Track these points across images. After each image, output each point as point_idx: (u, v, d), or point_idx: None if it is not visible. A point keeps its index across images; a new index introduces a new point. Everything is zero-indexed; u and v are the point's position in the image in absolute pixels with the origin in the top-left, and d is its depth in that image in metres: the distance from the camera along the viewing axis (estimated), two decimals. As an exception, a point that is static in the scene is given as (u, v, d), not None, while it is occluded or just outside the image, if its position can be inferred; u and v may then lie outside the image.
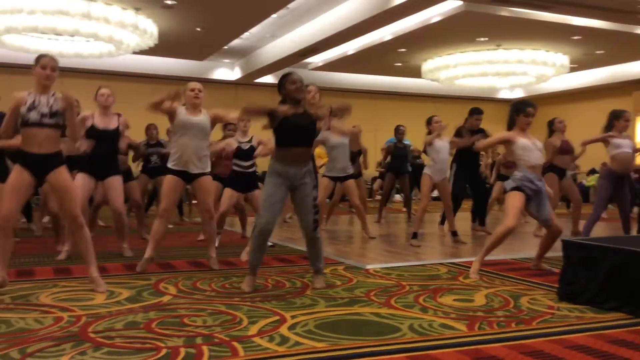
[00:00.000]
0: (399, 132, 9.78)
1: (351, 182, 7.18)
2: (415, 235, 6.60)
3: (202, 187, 4.98)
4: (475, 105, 7.83)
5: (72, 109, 4.08)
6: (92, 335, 3.02)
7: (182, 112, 4.89)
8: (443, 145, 6.70)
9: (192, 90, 4.95)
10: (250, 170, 6.33)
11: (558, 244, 4.29)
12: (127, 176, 6.46)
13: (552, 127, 7.24)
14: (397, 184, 10.37)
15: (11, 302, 3.75)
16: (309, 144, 4.25)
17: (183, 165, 4.86)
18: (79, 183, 5.27)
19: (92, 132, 5.41)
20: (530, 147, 4.74)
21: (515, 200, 4.66)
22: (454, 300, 3.87)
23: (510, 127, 4.88)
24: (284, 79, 4.20)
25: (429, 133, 6.77)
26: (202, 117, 4.96)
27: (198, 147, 4.91)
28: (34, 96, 3.98)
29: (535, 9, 10.40)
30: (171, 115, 4.88)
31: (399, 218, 10.44)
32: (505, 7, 10.42)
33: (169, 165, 4.92)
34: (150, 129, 8.22)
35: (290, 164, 4.12)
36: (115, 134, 5.54)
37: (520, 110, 4.81)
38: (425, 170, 6.76)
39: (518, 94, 19.01)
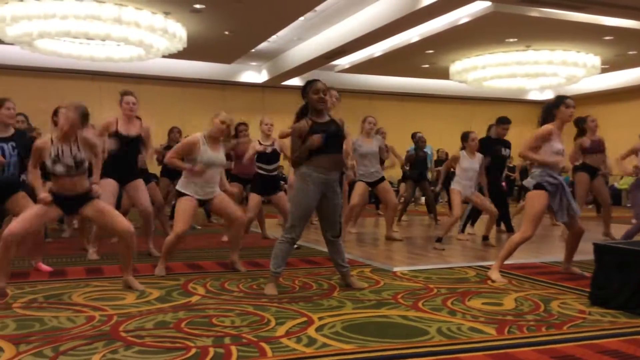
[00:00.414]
0: (420, 140, 9.81)
1: (385, 184, 7.16)
2: (440, 240, 6.53)
3: (222, 202, 4.96)
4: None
5: (98, 154, 4.23)
6: (123, 334, 3.07)
7: (206, 150, 4.80)
8: (471, 165, 6.63)
9: (223, 122, 4.86)
10: (274, 173, 6.35)
11: (589, 247, 4.21)
12: (146, 177, 6.52)
13: (584, 126, 7.13)
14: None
15: (44, 301, 3.83)
16: (341, 150, 4.27)
17: (203, 194, 4.85)
18: (105, 187, 5.26)
19: (116, 138, 5.44)
20: (560, 152, 4.62)
21: (536, 205, 4.52)
22: (483, 303, 3.84)
23: (546, 122, 4.65)
24: (307, 86, 4.15)
25: (462, 148, 6.73)
26: (221, 154, 4.93)
27: (216, 178, 4.93)
28: (57, 146, 4.01)
29: (565, 9, 10.25)
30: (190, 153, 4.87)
31: (426, 220, 10.37)
32: (535, 7, 10.29)
33: (187, 192, 4.80)
34: (173, 131, 8.42)
35: (329, 171, 4.11)
36: (138, 141, 5.62)
37: (560, 103, 4.59)
38: (454, 185, 6.67)
39: (548, 95, 18.74)
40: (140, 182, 5.69)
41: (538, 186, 4.55)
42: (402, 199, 10.39)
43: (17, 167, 4.80)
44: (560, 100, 4.64)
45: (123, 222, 4.19)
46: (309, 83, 4.16)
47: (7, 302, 3.77)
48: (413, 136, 9.99)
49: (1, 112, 4.69)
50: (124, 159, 5.54)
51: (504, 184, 8.81)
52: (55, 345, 2.86)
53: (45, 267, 4.99)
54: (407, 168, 9.82)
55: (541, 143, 4.57)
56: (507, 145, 7.43)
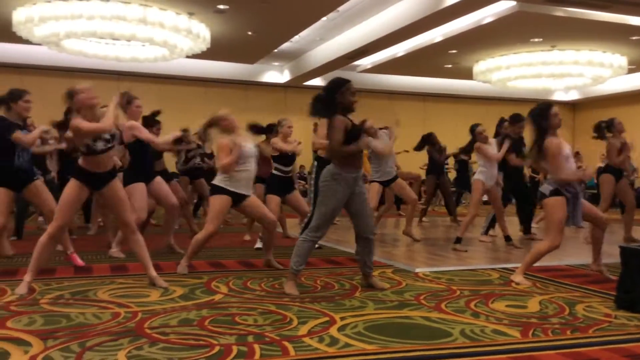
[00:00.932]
0: (432, 137, 9.87)
1: (400, 181, 7.14)
2: (459, 240, 6.48)
3: (256, 203, 5.02)
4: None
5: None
6: (148, 331, 3.11)
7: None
8: (495, 150, 6.62)
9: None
10: (290, 174, 6.38)
11: (615, 250, 4.15)
12: (168, 177, 6.68)
13: (611, 129, 7.02)
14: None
15: (70, 298, 3.89)
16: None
17: (237, 187, 4.87)
18: (137, 192, 5.46)
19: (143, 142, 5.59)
20: (569, 155, 4.54)
21: (557, 212, 4.40)
22: (507, 306, 3.81)
23: (542, 131, 4.52)
24: (344, 86, 4.12)
25: (472, 142, 6.72)
26: (253, 145, 5.09)
27: (253, 172, 5.00)
28: None
29: (592, 9, 10.10)
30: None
31: (448, 221, 10.30)
32: (561, 7, 10.16)
33: (224, 185, 4.83)
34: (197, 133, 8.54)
35: (357, 169, 4.16)
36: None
37: (546, 113, 4.50)
38: (478, 176, 6.63)
39: (573, 95, 18.50)
40: (160, 179, 5.86)
41: (556, 192, 4.46)
42: (422, 200, 10.39)
43: (30, 153, 5.04)
44: (546, 110, 4.53)
45: (129, 216, 4.28)
46: (345, 82, 4.14)
47: (35, 298, 3.84)
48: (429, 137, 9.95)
49: (19, 104, 4.93)
50: (147, 160, 5.70)
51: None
52: (81, 340, 2.91)
53: (79, 261, 5.14)
54: (427, 164, 9.88)
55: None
56: (522, 142, 7.29)
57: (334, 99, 4.13)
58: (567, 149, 4.52)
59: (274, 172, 6.28)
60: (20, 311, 3.50)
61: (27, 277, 4.08)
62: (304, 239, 4.21)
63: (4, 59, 13.56)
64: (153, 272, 4.33)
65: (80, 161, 4.20)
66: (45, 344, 2.85)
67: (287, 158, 6.31)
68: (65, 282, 4.37)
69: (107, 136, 4.14)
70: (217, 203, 4.82)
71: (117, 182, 4.32)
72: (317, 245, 6.46)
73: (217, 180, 4.87)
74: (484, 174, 6.59)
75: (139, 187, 5.50)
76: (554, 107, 4.57)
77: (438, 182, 9.87)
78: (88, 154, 4.13)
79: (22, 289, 4.00)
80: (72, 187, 4.15)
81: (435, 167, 9.80)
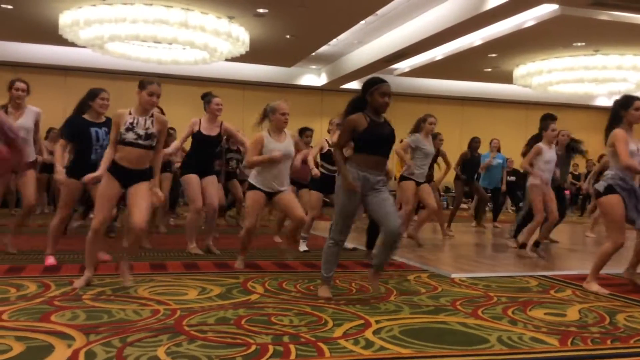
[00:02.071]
0: (474, 141, 9.94)
1: (426, 186, 7.11)
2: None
3: (286, 199, 5.06)
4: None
5: (165, 132, 4.38)
6: (186, 328, 3.17)
7: (269, 141, 4.96)
8: (552, 156, 6.46)
9: (283, 114, 5.02)
10: (335, 173, 6.41)
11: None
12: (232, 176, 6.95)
13: None
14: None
15: (112, 294, 3.99)
16: (388, 154, 4.15)
17: (267, 186, 5.00)
18: (192, 182, 5.84)
19: (198, 137, 5.86)
20: (635, 153, 4.45)
21: (615, 210, 4.35)
22: (545, 314, 3.75)
23: (614, 124, 4.51)
24: (373, 86, 4.01)
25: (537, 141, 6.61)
26: (287, 142, 5.07)
27: (283, 170, 5.03)
28: (133, 117, 4.23)
29: (636, 13, 9.87)
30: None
31: (487, 227, 10.18)
32: (604, 10, 9.95)
33: (253, 182, 5.05)
34: None
35: (370, 170, 3.98)
36: (217, 141, 6.01)
37: (629, 105, 4.46)
38: (533, 181, 6.48)
39: (616, 101, 18.01)
40: (213, 178, 6.05)
41: (609, 188, 4.40)
42: (464, 205, 10.33)
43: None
44: (629, 102, 4.49)
45: (137, 217, 4.16)
46: (376, 82, 4.03)
47: (78, 294, 3.96)
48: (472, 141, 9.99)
49: (95, 102, 5.16)
50: (203, 157, 5.94)
51: (567, 192, 8.52)
52: (122, 336, 2.98)
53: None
54: (458, 169, 9.83)
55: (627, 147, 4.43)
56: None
57: (364, 99, 4.06)
58: (634, 145, 4.44)
59: (321, 169, 6.40)
60: (64, 306, 3.60)
61: (87, 273, 4.27)
62: (327, 244, 4.18)
63: (50, 60, 13.99)
64: (127, 270, 4.39)
65: (116, 155, 4.25)
66: (88, 338, 2.93)
67: (332, 157, 6.37)
68: (106, 279, 4.48)
69: (141, 131, 4.16)
70: (251, 198, 5.07)
71: (144, 185, 4.23)
72: (351, 247, 6.49)
73: (250, 178, 5.13)
74: (539, 177, 6.46)
75: (192, 178, 5.84)
76: (638, 102, 4.49)
77: (467, 187, 9.85)
78: (119, 143, 4.18)
79: (80, 282, 4.21)
80: (104, 180, 4.19)
81: (465, 172, 9.76)
